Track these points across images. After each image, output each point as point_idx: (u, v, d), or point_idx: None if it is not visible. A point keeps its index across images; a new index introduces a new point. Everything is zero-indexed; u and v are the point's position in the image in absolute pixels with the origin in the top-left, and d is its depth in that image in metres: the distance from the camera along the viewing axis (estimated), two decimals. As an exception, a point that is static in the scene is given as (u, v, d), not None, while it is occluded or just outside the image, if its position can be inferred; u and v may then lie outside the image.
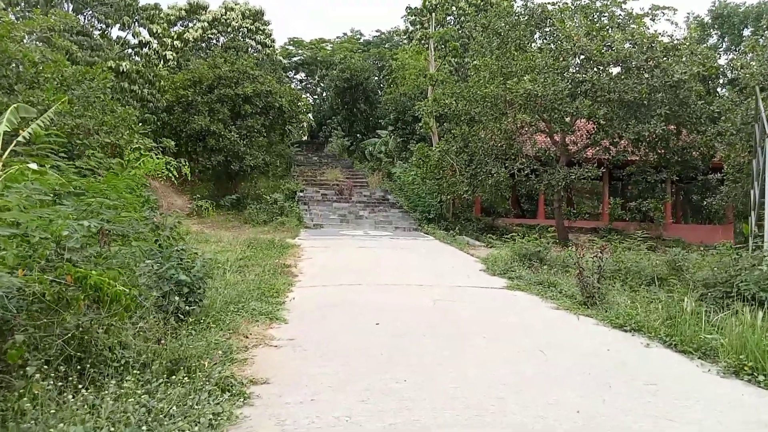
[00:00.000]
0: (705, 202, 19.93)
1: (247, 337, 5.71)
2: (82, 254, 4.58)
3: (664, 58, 17.56)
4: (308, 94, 47.12)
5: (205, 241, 14.90)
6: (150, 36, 25.52)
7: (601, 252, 8.06)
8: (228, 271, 9.12)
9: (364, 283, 9.19)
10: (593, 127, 19.63)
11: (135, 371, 4.01)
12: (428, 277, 10.00)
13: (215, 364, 4.73)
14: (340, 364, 5.02)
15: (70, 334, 3.86)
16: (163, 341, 4.54)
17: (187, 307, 5.79)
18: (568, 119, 18.56)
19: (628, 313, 7.02)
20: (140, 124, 22.11)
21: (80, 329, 3.87)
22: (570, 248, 14.66)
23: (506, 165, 18.59)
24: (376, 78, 39.95)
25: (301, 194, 24.10)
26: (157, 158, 10.23)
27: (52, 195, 5.68)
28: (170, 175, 8.32)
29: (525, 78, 17.82)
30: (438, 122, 23.54)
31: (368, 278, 9.65)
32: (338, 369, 4.86)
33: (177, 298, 5.66)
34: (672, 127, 18.55)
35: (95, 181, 6.43)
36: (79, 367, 3.93)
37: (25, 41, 17.31)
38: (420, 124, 22.75)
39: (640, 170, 19.17)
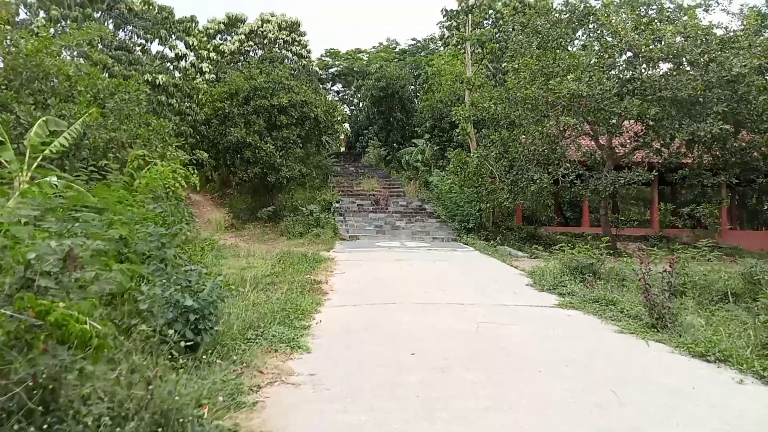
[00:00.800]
0: (766, 207, 18.31)
1: (262, 373, 4.86)
2: (61, 280, 3.82)
3: (720, 52, 16.10)
4: (345, 105, 46.68)
5: (236, 255, 14.29)
6: (186, 48, 25.36)
7: (670, 266, 6.88)
8: (254, 289, 8.34)
9: (399, 301, 8.26)
10: (641, 129, 18.26)
11: (110, 428, 3.19)
12: (469, 294, 8.99)
13: (217, 410, 3.89)
14: (367, 408, 4.11)
15: (28, 383, 3.08)
16: (151, 385, 3.72)
17: (195, 337, 4.99)
18: (614, 120, 17.27)
19: (709, 339, 5.88)
20: (177, 137, 21.97)
21: (40, 375, 3.09)
22: (623, 259, 13.40)
23: (549, 170, 17.40)
24: (412, 87, 39.15)
25: (337, 205, 23.37)
26: (174, 168, 9.60)
27: (43, 211, 4.99)
28: (179, 184, 7.52)
29: (568, 77, 16.65)
30: (476, 128, 22.48)
31: (403, 296, 8.72)
32: (364, 417, 3.95)
33: (182, 327, 4.88)
34: (729, 126, 17.02)
35: (80, 194, 5.70)
36: (44, 425, 3.14)
37: (63, 56, 17.23)
38: (457, 131, 21.78)
39: (694, 173, 17.64)
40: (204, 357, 4.90)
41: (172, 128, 19.99)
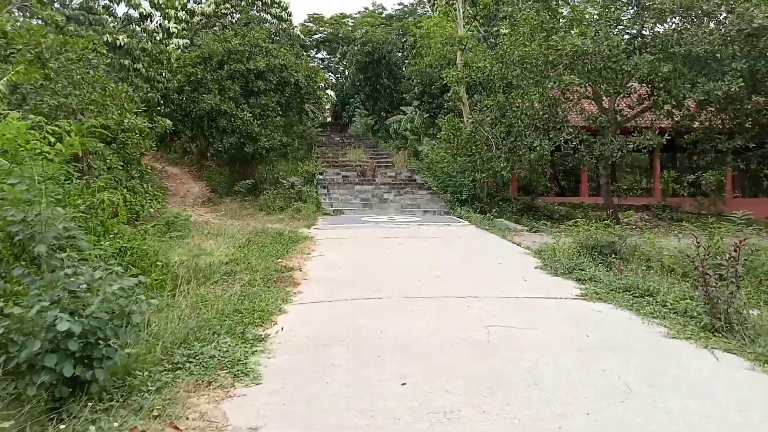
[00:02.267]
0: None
1: (176, 429, 3.20)
2: None
3: (740, 2, 14.34)
4: (330, 73, 44.38)
5: (204, 234, 12.57)
6: (151, 7, 23.10)
7: (735, 250, 5.24)
8: (203, 284, 6.67)
9: (386, 294, 6.61)
10: (647, 91, 16.55)
11: None
12: (471, 282, 7.37)
13: None
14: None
15: None
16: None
17: (84, 373, 3.32)
18: (620, 80, 15.52)
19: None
20: (145, 104, 19.95)
21: None
22: (632, 230, 11.79)
23: (550, 136, 15.70)
24: (400, 54, 36.99)
25: (321, 177, 21.57)
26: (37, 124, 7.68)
27: None
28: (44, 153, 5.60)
29: (572, 32, 14.86)
30: (468, 93, 20.62)
31: (391, 286, 7.07)
32: None
33: (58, 360, 3.21)
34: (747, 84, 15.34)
35: None
36: None
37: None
38: (448, 95, 19.85)
39: (706, 137, 16.02)
40: (93, 403, 3.25)
41: (132, 94, 18.02)
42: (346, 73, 43.85)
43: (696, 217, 20.35)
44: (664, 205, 20.69)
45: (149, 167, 26.71)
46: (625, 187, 20.08)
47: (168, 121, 15.17)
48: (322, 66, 44.65)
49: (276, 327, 5.22)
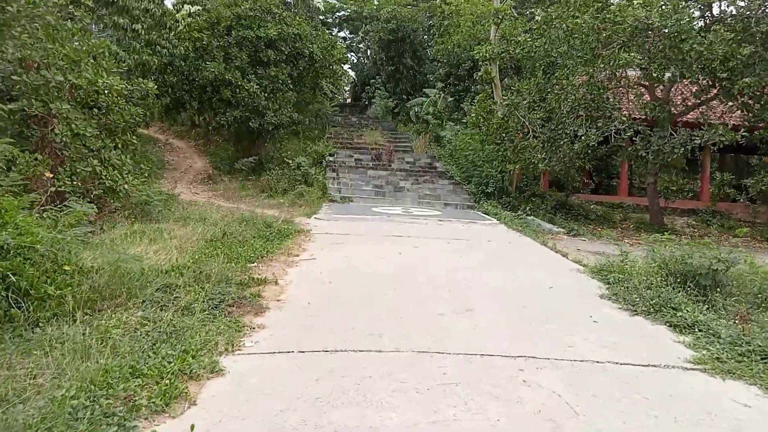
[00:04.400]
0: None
1: None
2: None
3: None
4: (351, 53, 41.66)
5: (184, 219, 10.25)
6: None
7: None
8: (130, 299, 4.31)
9: (390, 341, 4.16)
10: (710, 79, 13.71)
11: None
12: (518, 323, 4.87)
13: None
14: None
15: None
16: None
17: None
18: (687, 64, 12.69)
19: None
20: (141, 69, 17.63)
21: None
22: (696, 241, 9.09)
23: (598, 125, 12.99)
24: (426, 36, 34.18)
25: (331, 158, 19.06)
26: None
27: None
28: None
29: (634, 3, 12.14)
30: (501, 75, 17.92)
31: (400, 322, 4.63)
32: None
33: None
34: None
35: None
36: None
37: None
38: (478, 74, 17.10)
39: (787, 137, 13.17)
40: None
41: (118, 53, 15.65)
42: (368, 52, 41.13)
43: (750, 226, 17.59)
44: (714, 211, 17.93)
45: (154, 140, 24.61)
46: (674, 188, 17.33)
47: (151, 84, 12.75)
48: (344, 46, 41.93)
49: (189, 414, 2.81)
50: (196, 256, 6.32)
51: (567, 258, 8.47)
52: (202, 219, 10.21)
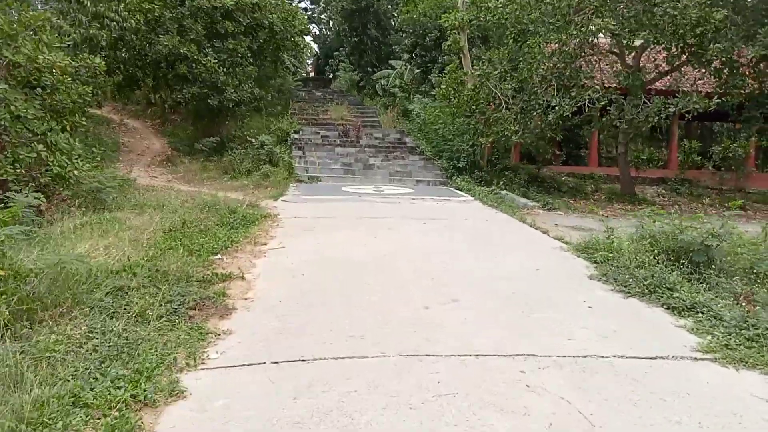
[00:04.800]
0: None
1: None
2: None
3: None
4: (313, 24, 40.38)
5: (140, 206, 9.59)
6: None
7: None
8: (76, 306, 3.75)
9: (375, 344, 3.73)
10: (681, 46, 13.51)
11: None
12: (510, 313, 4.50)
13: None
14: None
15: None
16: None
17: None
18: (658, 30, 12.44)
19: None
20: (87, 44, 16.48)
21: None
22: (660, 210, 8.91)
23: (572, 95, 12.69)
24: (390, 5, 33.22)
25: (296, 136, 18.35)
26: None
27: None
28: None
29: (606, -34, 11.79)
30: (469, 45, 17.40)
31: (383, 318, 4.20)
32: None
33: None
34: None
35: None
36: None
37: None
38: (446, 44, 16.53)
39: (755, 102, 13.15)
40: None
41: (62, 26, 14.53)
42: (330, 23, 39.96)
43: (717, 193, 17.78)
44: (683, 179, 18.03)
45: (107, 120, 23.32)
46: (644, 157, 17.26)
47: (98, 60, 11.78)
48: (305, 16, 40.52)
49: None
50: (152, 251, 5.73)
51: (548, 235, 8.17)
52: (160, 206, 9.55)
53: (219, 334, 3.84)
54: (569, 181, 17.53)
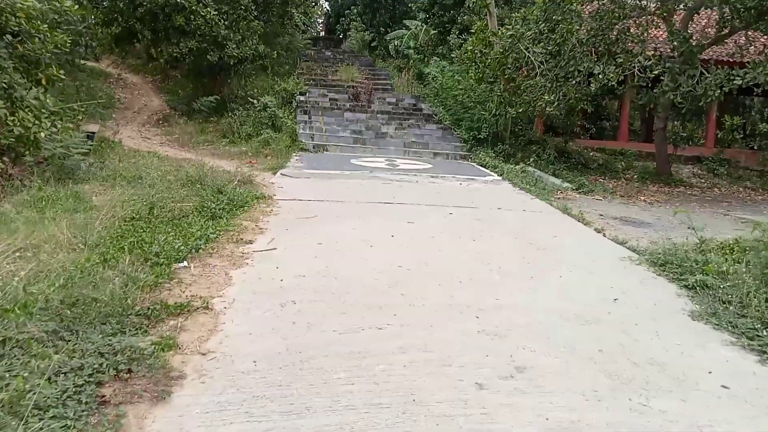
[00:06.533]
0: None
1: None
2: None
3: None
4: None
5: (114, 177, 7.89)
6: None
7: None
8: None
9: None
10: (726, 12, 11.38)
11: None
12: (615, 409, 2.77)
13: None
14: None
15: None
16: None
17: None
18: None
19: None
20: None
21: None
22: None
23: (617, 61, 10.67)
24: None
25: (302, 98, 16.37)
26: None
27: None
28: None
29: None
30: (498, 4, 15.21)
31: (410, 416, 2.51)
32: None
33: None
34: None
35: None
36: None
37: None
38: (465, 6, 14.28)
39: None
40: None
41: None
42: (343, -21, 37.08)
43: (758, 175, 15.87)
44: (722, 158, 16.06)
45: (105, 74, 21.30)
46: (684, 134, 15.23)
47: (68, 3, 9.84)
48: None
49: None
50: (94, 256, 4.00)
51: (604, 235, 6.40)
52: (136, 178, 7.82)
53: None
54: (597, 157, 15.61)
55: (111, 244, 4.52)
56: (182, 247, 4.56)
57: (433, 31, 21.44)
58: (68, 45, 10.35)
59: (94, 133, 12.23)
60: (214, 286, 3.94)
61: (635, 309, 4.11)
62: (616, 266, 5.19)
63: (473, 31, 13.17)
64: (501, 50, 12.09)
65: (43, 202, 6.07)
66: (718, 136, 16.50)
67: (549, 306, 4.01)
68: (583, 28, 10.88)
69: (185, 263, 4.34)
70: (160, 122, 16.70)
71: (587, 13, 11.53)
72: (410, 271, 4.55)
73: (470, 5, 14.70)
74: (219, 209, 6.04)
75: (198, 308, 3.49)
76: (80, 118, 11.04)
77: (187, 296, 3.65)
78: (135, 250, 4.38)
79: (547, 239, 6.01)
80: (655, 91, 11.18)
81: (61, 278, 3.43)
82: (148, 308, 3.36)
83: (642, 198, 11.10)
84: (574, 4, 11.03)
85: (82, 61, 17.57)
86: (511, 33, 11.47)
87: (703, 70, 10.38)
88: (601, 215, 8.33)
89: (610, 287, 4.53)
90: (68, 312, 3.10)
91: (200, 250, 4.68)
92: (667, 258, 5.14)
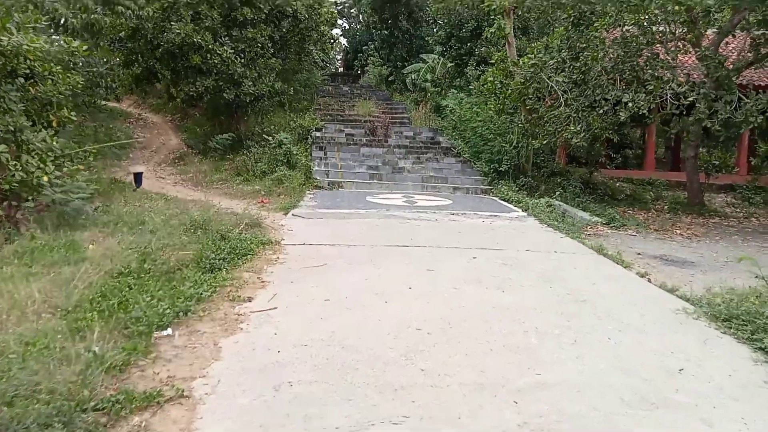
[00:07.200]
0: None
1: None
2: None
3: None
4: (343, 18, 37.86)
5: (116, 223, 7.38)
6: None
7: None
8: None
9: None
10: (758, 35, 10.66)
11: None
12: None
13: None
14: None
15: None
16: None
17: None
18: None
19: None
20: (81, 30, 14.33)
21: None
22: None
23: (647, 89, 9.97)
24: (422, -2, 30.55)
25: (318, 134, 15.96)
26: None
27: None
28: None
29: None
30: (516, 35, 14.72)
31: None
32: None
33: None
34: None
35: None
36: None
37: None
38: (490, 30, 13.78)
39: None
40: None
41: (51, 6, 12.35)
42: (360, 17, 37.38)
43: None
44: (757, 186, 15.07)
45: (125, 114, 21.34)
46: (716, 162, 14.35)
47: (76, 43, 9.54)
48: (333, 2, 37.92)
49: None
50: (67, 322, 3.39)
51: (650, 281, 5.60)
52: (139, 223, 7.30)
53: None
54: (624, 187, 14.78)
55: (90, 307, 3.92)
56: (168, 310, 3.92)
57: (450, 64, 21.08)
58: (81, 86, 10.05)
59: (141, 173, 11.90)
60: (198, 361, 3.28)
61: (707, 384, 3.31)
62: (671, 322, 4.39)
63: (493, 61, 12.64)
64: (522, 80, 11.50)
65: (33, 253, 5.54)
66: (752, 162, 15.53)
67: (602, 382, 3.24)
68: (607, 55, 10.24)
69: (169, 330, 3.70)
70: (176, 161, 16.43)
71: (610, 39, 10.93)
72: (431, 336, 3.83)
73: (488, 36, 14.23)
74: (219, 259, 5.42)
75: (171, 398, 2.82)
76: (92, 159, 10.70)
77: (161, 380, 2.99)
78: (115, 314, 3.76)
79: (585, 288, 5.24)
80: (689, 118, 10.40)
81: (7, 361, 2.80)
82: (110, 400, 2.70)
83: (678, 232, 10.24)
84: (598, 31, 10.43)
85: (103, 102, 17.57)
86: (533, 62, 10.88)
87: (741, 95, 9.61)
88: (639, 254, 7.52)
89: (670, 352, 3.74)
90: (4, 410, 2.46)
91: (190, 312, 4.04)
92: (731, 312, 4.34)
